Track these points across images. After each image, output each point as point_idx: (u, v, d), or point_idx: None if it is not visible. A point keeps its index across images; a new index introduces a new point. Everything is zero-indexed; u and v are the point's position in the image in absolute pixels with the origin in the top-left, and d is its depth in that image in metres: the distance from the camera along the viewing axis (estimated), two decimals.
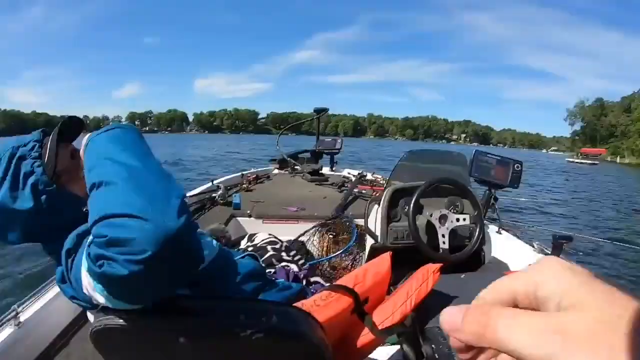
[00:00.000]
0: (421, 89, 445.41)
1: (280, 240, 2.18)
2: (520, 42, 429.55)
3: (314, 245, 2.88)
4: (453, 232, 2.21)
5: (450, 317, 0.33)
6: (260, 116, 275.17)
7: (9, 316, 1.62)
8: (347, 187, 4.33)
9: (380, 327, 1.25)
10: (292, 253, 2.09)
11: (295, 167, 5.81)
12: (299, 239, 2.85)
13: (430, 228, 2.21)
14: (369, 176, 5.09)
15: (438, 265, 1.35)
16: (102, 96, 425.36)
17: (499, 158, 2.69)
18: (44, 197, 1.18)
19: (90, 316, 1.16)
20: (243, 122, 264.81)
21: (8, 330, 1.60)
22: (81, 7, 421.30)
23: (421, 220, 2.22)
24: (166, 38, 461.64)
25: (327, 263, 2.60)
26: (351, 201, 3.68)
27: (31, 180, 1.18)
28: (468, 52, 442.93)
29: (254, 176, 4.88)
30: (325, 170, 5.89)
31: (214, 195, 3.69)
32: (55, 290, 1.82)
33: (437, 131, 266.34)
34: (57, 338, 1.82)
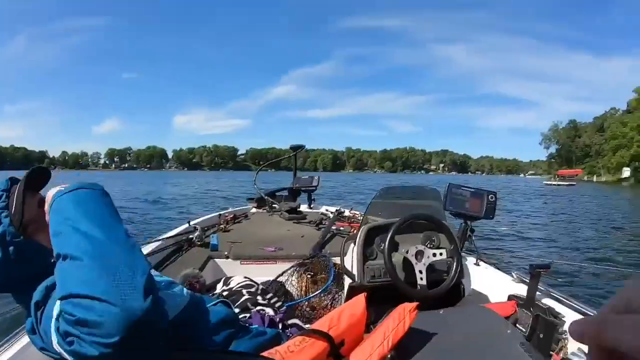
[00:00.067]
0: (398, 121, 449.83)
1: (256, 283, 2.16)
2: (493, 71, 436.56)
3: (292, 285, 2.84)
4: (430, 268, 2.19)
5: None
6: (239, 152, 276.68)
7: None
8: (325, 224, 4.31)
9: None
10: (268, 296, 2.06)
11: (273, 205, 5.78)
12: (278, 279, 2.82)
13: (407, 264, 2.20)
14: (347, 212, 5.09)
15: (414, 304, 1.35)
16: (81, 131, 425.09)
17: (472, 190, 2.71)
18: (11, 248, 1.18)
19: None
20: (222, 159, 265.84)
21: None
22: (60, 42, 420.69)
23: (397, 257, 2.21)
24: (144, 74, 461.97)
25: (306, 303, 2.58)
26: (329, 239, 3.66)
27: None
28: (442, 84, 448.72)
29: (231, 216, 4.84)
30: (303, 207, 5.87)
31: (191, 236, 3.64)
32: (26, 339, 1.78)
33: (415, 162, 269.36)
34: None
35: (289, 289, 2.79)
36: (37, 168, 1.33)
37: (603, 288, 6.88)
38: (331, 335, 1.23)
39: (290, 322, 1.88)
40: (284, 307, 2.07)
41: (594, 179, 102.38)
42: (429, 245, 2.29)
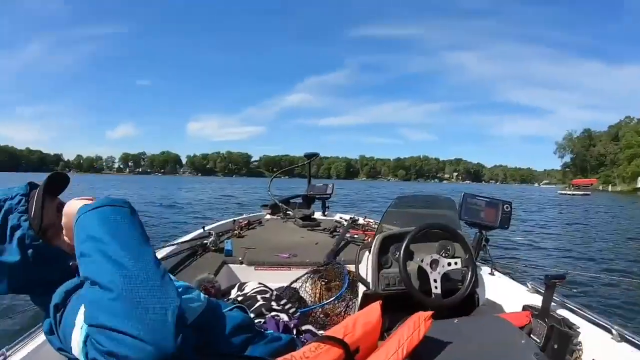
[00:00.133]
0: (411, 130, 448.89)
1: (270, 289, 2.16)
2: (505, 78, 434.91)
3: (306, 292, 2.85)
4: (445, 277, 2.19)
5: None
6: (253, 159, 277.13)
7: None
8: (339, 232, 4.32)
9: None
10: (282, 302, 2.06)
11: (287, 212, 5.79)
12: (292, 285, 2.83)
13: (422, 273, 2.20)
14: (361, 220, 5.09)
15: (429, 313, 1.34)
16: (96, 136, 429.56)
17: (487, 200, 2.71)
18: (30, 250, 1.20)
19: None
20: (236, 165, 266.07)
21: None
22: (76, 48, 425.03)
23: (412, 266, 2.21)
24: (158, 81, 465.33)
25: (319, 310, 2.58)
26: (343, 247, 3.66)
27: (18, 234, 1.21)
28: (455, 91, 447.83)
29: (245, 222, 4.87)
30: (317, 215, 5.90)
31: (205, 241, 3.66)
32: (44, 336, 1.79)
33: (429, 171, 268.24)
34: None
35: (302, 295, 2.79)
36: (56, 174, 1.35)
37: (618, 299, 6.82)
38: (346, 342, 1.23)
39: (304, 328, 1.88)
40: (298, 313, 2.07)
41: (609, 188, 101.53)
42: (443, 255, 2.28)
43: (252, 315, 1.71)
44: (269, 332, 1.47)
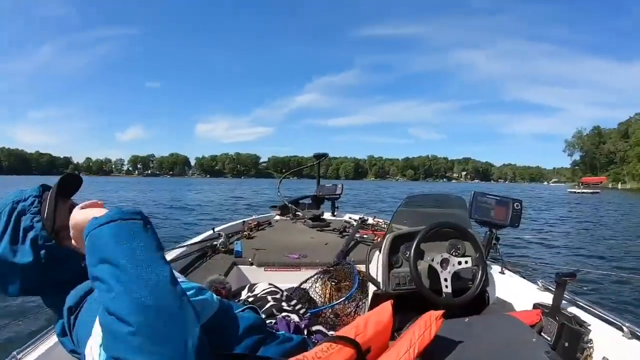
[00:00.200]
0: (420, 129, 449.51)
1: (280, 290, 2.16)
2: (514, 76, 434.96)
3: (316, 292, 2.85)
4: (456, 276, 2.19)
5: None
6: (261, 160, 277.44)
7: None
8: (348, 232, 4.31)
9: None
10: (293, 302, 2.06)
11: (297, 213, 5.81)
12: (302, 286, 2.83)
13: (432, 272, 2.20)
14: (370, 220, 5.08)
15: (440, 312, 1.34)
16: (105, 138, 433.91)
17: (498, 198, 2.70)
18: (43, 251, 1.21)
19: None
20: (245, 167, 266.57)
21: None
22: (85, 51, 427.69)
23: (423, 265, 2.21)
24: (167, 83, 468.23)
25: (330, 310, 2.58)
26: (353, 247, 3.66)
27: (31, 235, 1.22)
28: (464, 90, 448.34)
29: (255, 223, 4.87)
30: (327, 215, 5.91)
31: (215, 243, 3.67)
32: (55, 338, 1.80)
33: (437, 170, 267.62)
34: None
35: (312, 296, 2.79)
36: (68, 175, 1.35)
37: (629, 296, 6.79)
38: (358, 341, 1.23)
39: (314, 328, 1.88)
40: (308, 314, 2.07)
41: (619, 186, 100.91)
42: (454, 254, 2.28)
43: (263, 316, 1.71)
44: (280, 332, 1.47)
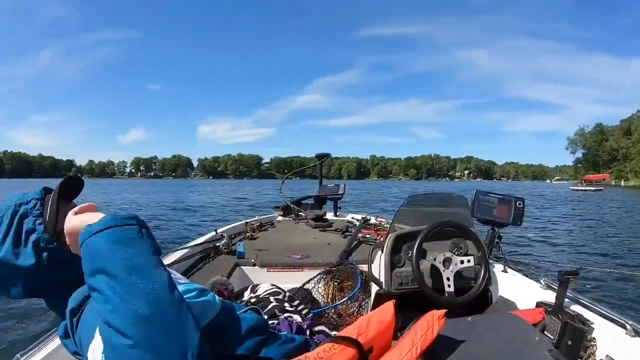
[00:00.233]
0: (422, 128, 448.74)
1: (283, 290, 2.17)
2: (515, 74, 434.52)
3: (319, 292, 2.85)
4: (458, 275, 2.19)
5: None
6: (264, 161, 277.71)
7: None
8: (351, 232, 4.32)
9: None
10: (295, 303, 2.06)
11: (299, 213, 5.82)
12: (304, 286, 2.83)
13: (435, 272, 2.20)
14: (373, 220, 5.08)
15: (443, 311, 1.34)
16: (107, 141, 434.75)
17: (500, 197, 2.70)
18: (45, 254, 1.21)
19: None
20: (247, 167, 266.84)
21: None
22: (87, 54, 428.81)
23: (425, 265, 2.22)
24: (168, 85, 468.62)
25: (332, 310, 2.58)
26: (355, 247, 3.65)
27: (33, 237, 1.21)
28: (465, 88, 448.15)
29: (258, 224, 4.89)
30: (329, 215, 5.91)
31: (218, 244, 3.68)
32: (58, 340, 1.80)
33: (440, 169, 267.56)
34: None
35: (315, 296, 2.79)
36: (70, 177, 1.35)
37: (632, 294, 6.77)
38: (360, 341, 1.23)
39: (317, 328, 1.88)
40: (311, 314, 2.07)
41: (622, 183, 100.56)
42: (456, 253, 2.28)
43: (265, 317, 1.71)
44: (282, 333, 1.47)
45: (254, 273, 3.34)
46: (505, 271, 2.80)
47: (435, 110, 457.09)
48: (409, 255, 2.25)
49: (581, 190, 66.10)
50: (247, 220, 5.20)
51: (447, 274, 2.15)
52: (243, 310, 1.44)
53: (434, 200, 2.81)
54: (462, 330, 1.45)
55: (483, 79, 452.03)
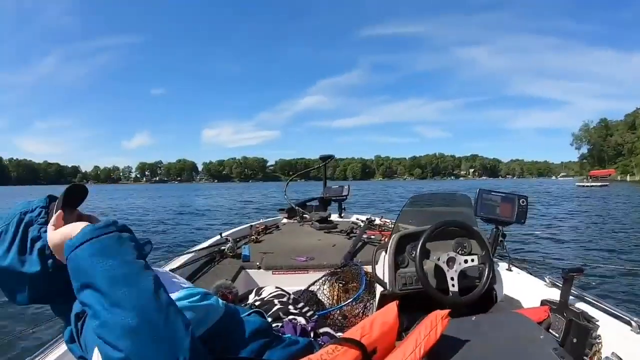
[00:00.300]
0: (426, 127, 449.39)
1: (287, 293, 2.16)
2: (518, 71, 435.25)
3: (324, 294, 2.85)
4: (462, 274, 2.19)
5: None
6: (268, 164, 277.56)
7: None
8: (355, 233, 4.32)
9: None
10: (299, 305, 2.06)
11: (304, 215, 5.82)
12: (309, 289, 2.83)
13: (439, 272, 2.20)
14: (378, 221, 5.07)
15: (446, 311, 1.34)
16: (112, 147, 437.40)
17: (503, 195, 2.69)
18: (50, 261, 1.21)
19: None
20: (252, 170, 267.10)
21: None
22: (90, 60, 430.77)
23: (429, 265, 2.22)
24: (172, 89, 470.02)
25: (337, 312, 2.58)
26: (360, 248, 3.65)
27: (38, 245, 1.22)
28: (468, 87, 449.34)
29: (262, 227, 4.88)
30: (334, 217, 5.91)
31: (223, 248, 3.67)
32: (65, 346, 1.81)
33: (445, 168, 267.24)
34: None
35: (320, 298, 2.79)
36: (74, 185, 1.36)
37: (638, 290, 6.74)
38: (363, 343, 1.23)
39: (322, 330, 1.88)
40: (316, 316, 2.07)
41: (628, 178, 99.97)
42: (460, 252, 2.29)
43: (269, 319, 1.72)
44: (286, 336, 1.47)
45: (259, 276, 3.34)
46: (509, 270, 2.79)
47: (439, 109, 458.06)
48: (413, 255, 2.25)
49: (587, 186, 65.64)
50: (252, 224, 5.19)
51: (451, 274, 2.16)
52: (247, 313, 1.44)
53: (437, 200, 2.82)
54: (466, 329, 1.45)
55: (485, 76, 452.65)
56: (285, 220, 5.97)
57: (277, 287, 2.20)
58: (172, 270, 2.70)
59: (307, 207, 6.10)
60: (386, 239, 3.05)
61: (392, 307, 1.43)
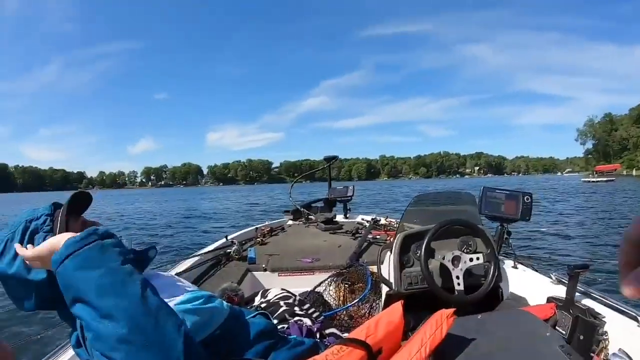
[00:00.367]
0: (430, 126, 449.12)
1: (293, 294, 2.16)
2: (522, 68, 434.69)
3: (330, 295, 2.86)
4: (468, 273, 2.18)
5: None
6: (273, 166, 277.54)
7: None
8: (361, 233, 4.31)
9: None
10: (305, 306, 2.06)
11: (309, 217, 5.81)
12: (315, 290, 2.84)
13: (444, 270, 2.20)
14: (383, 221, 5.08)
15: (451, 310, 1.34)
16: (117, 152, 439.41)
17: (507, 192, 2.68)
18: None
19: None
20: (257, 173, 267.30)
21: None
22: (92, 66, 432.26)
23: (434, 264, 2.22)
24: (175, 94, 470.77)
25: (344, 312, 2.58)
26: (365, 248, 3.64)
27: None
28: (471, 84, 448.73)
29: (268, 229, 4.87)
30: (339, 217, 5.91)
31: (228, 250, 3.67)
32: (72, 351, 1.81)
33: (450, 166, 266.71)
34: None
35: (326, 299, 2.80)
36: (78, 193, 1.37)
37: None
38: (368, 343, 1.23)
39: (327, 331, 1.88)
40: (322, 317, 2.07)
41: (634, 172, 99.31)
42: (465, 251, 2.28)
43: (275, 321, 1.72)
44: (292, 337, 1.48)
45: (265, 278, 3.34)
46: (515, 267, 2.79)
47: (443, 108, 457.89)
48: (418, 254, 2.25)
49: (592, 181, 65.06)
50: (258, 226, 5.20)
51: (457, 273, 2.15)
52: (252, 315, 1.45)
53: (442, 199, 2.81)
54: (472, 328, 1.44)
55: (488, 74, 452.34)
56: (290, 222, 5.97)
57: (283, 289, 2.21)
58: (179, 274, 2.71)
59: (312, 208, 6.09)
60: (391, 239, 3.05)
61: (397, 306, 1.43)
